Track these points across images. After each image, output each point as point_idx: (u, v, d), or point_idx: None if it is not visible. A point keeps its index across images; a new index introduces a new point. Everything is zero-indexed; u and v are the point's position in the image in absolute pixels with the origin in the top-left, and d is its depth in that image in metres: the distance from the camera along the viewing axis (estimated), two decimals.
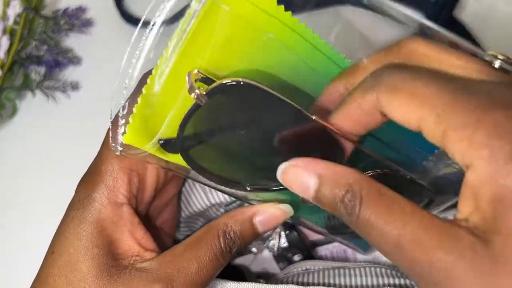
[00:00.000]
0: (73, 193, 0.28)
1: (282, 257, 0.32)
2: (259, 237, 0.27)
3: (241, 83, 0.21)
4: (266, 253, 0.32)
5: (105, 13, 0.51)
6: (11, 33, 0.47)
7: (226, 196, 0.32)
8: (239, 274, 0.33)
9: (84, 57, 0.50)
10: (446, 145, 0.19)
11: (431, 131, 0.19)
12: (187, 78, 0.21)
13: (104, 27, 0.51)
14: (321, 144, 0.23)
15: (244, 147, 0.24)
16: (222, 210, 0.34)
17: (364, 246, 0.31)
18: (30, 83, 0.48)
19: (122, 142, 0.23)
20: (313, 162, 0.21)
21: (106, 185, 0.26)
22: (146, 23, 0.50)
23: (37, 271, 0.27)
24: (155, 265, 0.25)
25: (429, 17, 0.45)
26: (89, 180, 0.27)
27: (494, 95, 0.19)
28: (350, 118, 0.22)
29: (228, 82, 0.21)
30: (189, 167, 0.24)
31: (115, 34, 0.50)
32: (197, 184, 0.32)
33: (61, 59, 0.49)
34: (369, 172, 0.23)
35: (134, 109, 0.23)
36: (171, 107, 0.23)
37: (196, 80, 0.21)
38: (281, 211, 0.26)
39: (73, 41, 0.51)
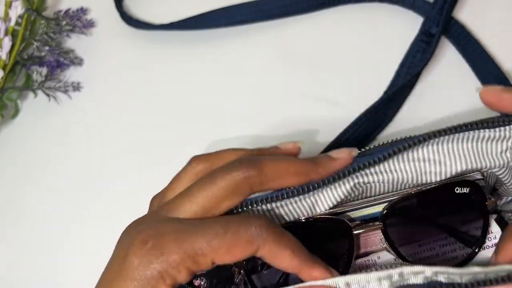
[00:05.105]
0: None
1: None
2: None
3: None
4: None
5: (106, 14, 0.51)
6: (13, 34, 0.48)
7: None
8: None
9: (85, 58, 0.50)
10: None
11: None
12: None
13: (105, 28, 0.51)
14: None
15: None
16: None
17: None
18: (31, 83, 0.48)
19: None
20: None
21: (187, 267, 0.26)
22: (146, 25, 0.50)
23: None
24: None
25: (429, 19, 0.45)
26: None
27: None
28: None
29: None
30: None
31: (116, 35, 0.51)
32: None
33: (62, 59, 0.49)
34: None
35: None
36: None
37: None
38: None
39: (74, 42, 0.51)
